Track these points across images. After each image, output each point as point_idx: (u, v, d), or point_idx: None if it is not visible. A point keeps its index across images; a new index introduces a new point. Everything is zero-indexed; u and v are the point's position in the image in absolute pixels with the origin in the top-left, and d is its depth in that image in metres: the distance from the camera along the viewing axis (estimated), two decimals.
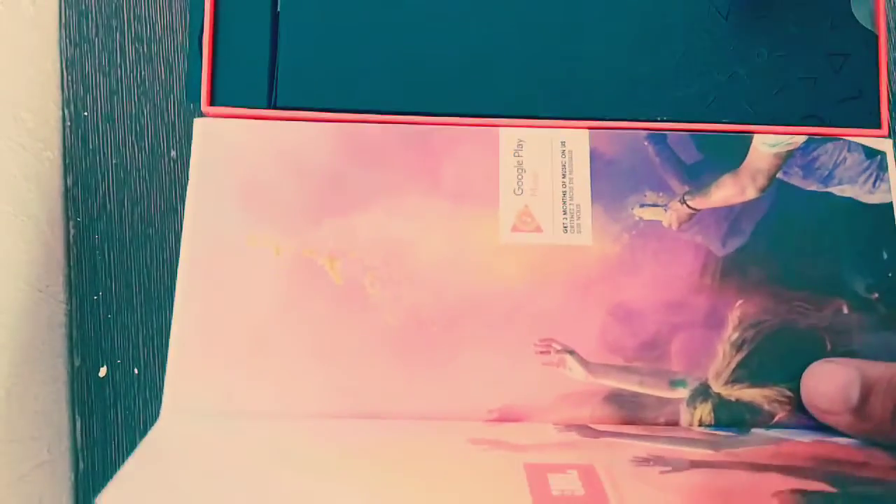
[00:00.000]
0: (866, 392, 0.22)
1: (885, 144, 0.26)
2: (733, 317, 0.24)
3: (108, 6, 0.33)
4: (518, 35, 0.26)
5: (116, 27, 0.33)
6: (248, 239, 0.24)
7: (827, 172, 0.26)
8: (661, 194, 0.25)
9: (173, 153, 0.33)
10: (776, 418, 0.24)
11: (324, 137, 0.25)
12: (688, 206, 0.25)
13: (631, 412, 0.23)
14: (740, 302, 0.24)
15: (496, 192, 0.25)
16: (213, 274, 0.24)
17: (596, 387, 0.24)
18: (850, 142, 0.26)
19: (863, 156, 0.26)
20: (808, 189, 0.26)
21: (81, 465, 0.31)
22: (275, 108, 0.26)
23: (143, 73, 0.33)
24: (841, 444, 0.23)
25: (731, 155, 0.26)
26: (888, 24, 0.32)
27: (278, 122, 0.26)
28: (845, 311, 0.24)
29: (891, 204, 0.25)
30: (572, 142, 0.26)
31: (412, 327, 0.24)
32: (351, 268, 0.24)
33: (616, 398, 0.24)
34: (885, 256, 0.25)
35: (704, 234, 0.25)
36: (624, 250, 0.25)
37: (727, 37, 0.26)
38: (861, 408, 0.22)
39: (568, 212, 0.25)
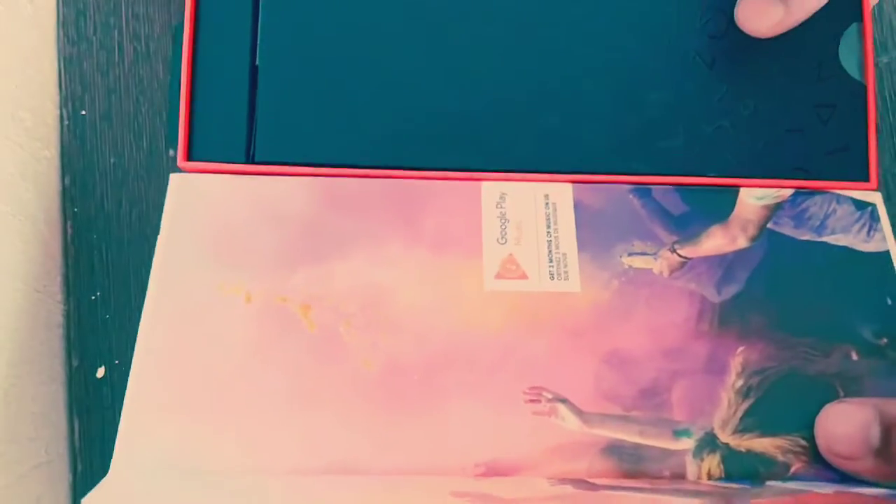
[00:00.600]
0: (888, 431, 0.20)
1: (874, 197, 0.25)
2: (736, 363, 0.23)
3: (106, 5, 0.32)
4: (500, 89, 0.25)
5: (115, 26, 0.32)
6: (218, 286, 0.23)
7: (819, 223, 0.25)
8: (649, 243, 0.24)
9: (171, 152, 0.33)
10: (792, 469, 0.22)
11: (301, 189, 0.24)
12: (678, 254, 0.24)
13: (632, 465, 0.21)
14: (742, 348, 0.23)
15: (479, 242, 0.24)
16: (178, 322, 0.22)
17: (592, 437, 0.22)
18: (838, 195, 0.25)
19: (853, 207, 0.25)
20: (802, 239, 0.25)
21: (80, 466, 0.30)
22: (253, 162, 0.25)
23: (141, 72, 0.32)
24: (866, 495, 0.21)
25: (718, 207, 0.25)
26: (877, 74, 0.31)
27: (256, 176, 0.24)
28: (854, 356, 0.23)
29: (888, 252, 0.24)
30: (556, 195, 0.25)
31: (391, 375, 0.22)
32: (325, 315, 0.23)
33: (615, 450, 0.22)
34: (890, 302, 0.24)
35: (698, 281, 0.24)
36: (614, 297, 0.23)
37: (713, 88, 0.25)
38: (884, 449, 0.20)
39: (554, 260, 0.24)
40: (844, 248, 0.25)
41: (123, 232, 0.31)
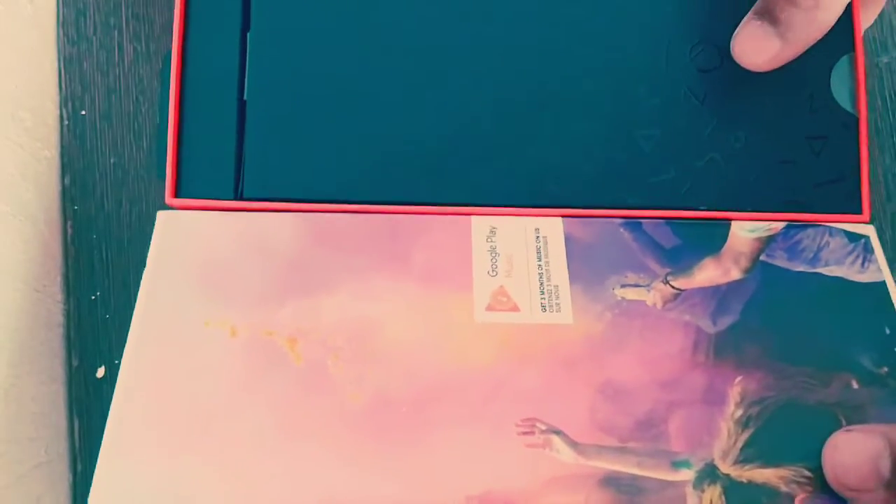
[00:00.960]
0: None
1: (867, 230, 0.24)
2: (734, 393, 0.22)
3: (106, 5, 0.31)
4: (489, 124, 0.24)
5: (115, 26, 0.31)
6: (203, 321, 0.22)
7: (812, 255, 0.24)
8: (642, 275, 0.23)
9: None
10: (797, 500, 0.21)
11: (289, 224, 0.24)
12: (671, 286, 0.23)
13: (631, 497, 0.20)
14: (740, 378, 0.22)
15: (469, 276, 0.23)
16: (160, 358, 0.21)
17: (588, 469, 0.21)
18: (830, 227, 0.24)
19: (846, 239, 0.24)
20: (796, 270, 0.24)
21: (80, 466, 0.29)
22: (241, 199, 0.24)
23: (141, 71, 0.31)
24: None
25: (710, 239, 0.24)
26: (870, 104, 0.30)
27: (244, 213, 0.24)
28: (855, 385, 0.22)
29: (884, 283, 0.24)
30: (546, 228, 0.24)
31: (379, 409, 0.21)
32: (312, 348, 0.22)
33: (613, 482, 0.21)
34: (888, 332, 0.23)
35: (692, 312, 0.23)
36: (608, 328, 0.23)
37: (704, 122, 0.25)
38: (894, 480, 0.19)
39: (546, 291, 0.23)
40: (839, 278, 0.24)
41: (123, 232, 0.30)
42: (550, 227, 0.24)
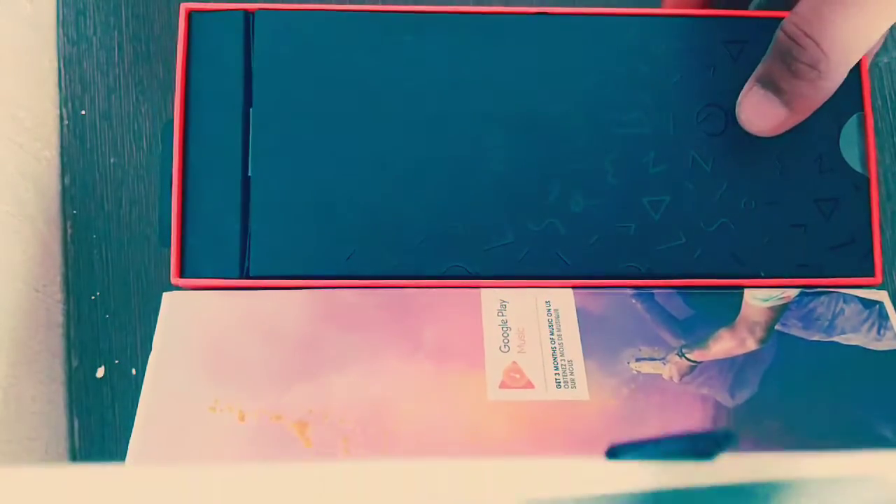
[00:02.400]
0: None
1: (881, 295, 0.24)
2: None
3: (106, 4, 0.31)
4: (494, 195, 0.24)
5: (115, 26, 0.31)
6: (210, 406, 0.22)
7: (827, 323, 0.24)
8: (656, 348, 0.23)
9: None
10: None
11: (296, 303, 0.23)
12: (687, 358, 0.23)
13: None
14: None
15: (480, 352, 0.23)
16: (168, 445, 0.21)
17: None
18: (844, 294, 0.24)
19: (860, 306, 0.24)
20: (812, 339, 0.23)
21: None
22: (248, 277, 0.23)
23: (141, 71, 0.31)
24: None
25: (723, 309, 0.24)
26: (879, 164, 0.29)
27: (250, 291, 0.23)
28: None
29: None
30: (557, 301, 0.24)
31: None
32: (323, 432, 0.21)
33: None
34: None
35: (710, 385, 0.23)
36: (625, 404, 0.22)
37: (713, 187, 0.24)
38: None
39: (560, 367, 0.22)
40: (857, 347, 0.23)
41: (123, 232, 0.30)
42: (561, 300, 0.24)
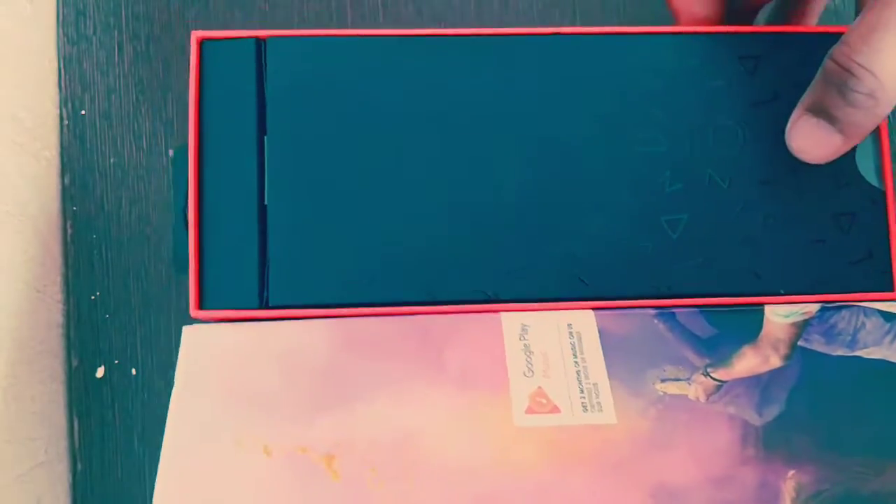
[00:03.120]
0: None
1: None
2: (788, 488, 0.21)
3: (106, 4, 0.31)
4: (512, 217, 0.24)
5: (114, 25, 0.31)
6: (236, 441, 0.21)
7: (850, 338, 0.23)
8: (681, 368, 0.23)
9: (171, 152, 0.31)
10: None
11: (318, 332, 0.23)
12: (712, 377, 0.23)
13: None
14: (792, 472, 0.21)
15: (505, 377, 0.22)
16: (195, 484, 0.20)
17: None
18: (864, 307, 0.24)
19: (881, 319, 0.24)
20: (835, 354, 0.23)
21: (79, 466, 0.29)
22: (267, 307, 0.23)
23: (141, 71, 0.31)
24: None
25: (745, 327, 0.23)
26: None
27: (271, 322, 0.23)
28: None
29: None
30: (579, 323, 0.23)
31: None
32: (351, 464, 0.21)
33: None
34: None
35: (736, 404, 0.22)
36: (653, 426, 0.22)
37: (731, 205, 0.24)
38: None
39: (585, 390, 0.22)
40: (881, 361, 0.23)
41: (123, 232, 0.30)
42: (583, 322, 0.23)
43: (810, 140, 0.23)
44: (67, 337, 0.30)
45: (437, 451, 0.21)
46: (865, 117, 0.22)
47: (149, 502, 0.29)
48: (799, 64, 0.24)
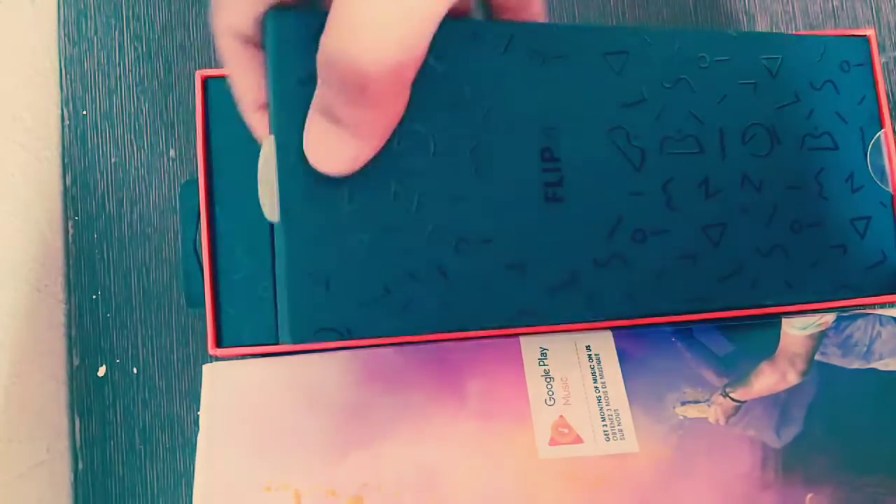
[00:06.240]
0: None
1: None
2: None
3: (107, 5, 0.31)
4: (549, 232, 0.22)
5: (115, 26, 0.31)
6: (265, 486, 0.21)
7: (865, 349, 0.23)
8: (700, 389, 0.23)
9: (172, 152, 0.30)
10: None
11: (338, 366, 0.23)
12: (731, 398, 0.23)
13: None
14: (811, 496, 0.21)
15: (526, 406, 0.22)
16: None
17: None
18: (881, 315, 0.24)
19: None
20: (851, 367, 0.23)
21: (80, 465, 0.29)
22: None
23: (141, 71, 0.31)
24: None
25: (763, 342, 0.23)
26: None
27: (290, 356, 0.23)
28: None
29: None
30: (597, 345, 0.23)
31: None
32: (380, 503, 0.21)
33: None
34: None
35: (756, 426, 0.22)
36: (675, 453, 0.22)
37: (763, 212, 0.23)
38: None
39: (607, 418, 0.22)
40: (894, 373, 0.23)
41: (124, 231, 0.30)
42: (601, 343, 0.23)
43: (323, 148, 0.19)
44: (69, 336, 0.30)
45: (462, 487, 0.21)
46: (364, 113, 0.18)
47: (149, 502, 0.29)
48: (817, 63, 0.24)
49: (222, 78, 0.23)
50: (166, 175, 0.31)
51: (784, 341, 0.24)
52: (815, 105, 0.23)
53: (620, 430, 0.22)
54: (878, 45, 0.33)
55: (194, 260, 0.23)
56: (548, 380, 0.23)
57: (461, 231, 0.21)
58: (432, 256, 0.21)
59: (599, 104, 0.22)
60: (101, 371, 0.30)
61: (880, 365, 0.23)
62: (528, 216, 0.21)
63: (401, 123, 0.20)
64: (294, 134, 0.19)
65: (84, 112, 0.31)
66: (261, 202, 0.21)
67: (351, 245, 0.22)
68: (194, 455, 0.22)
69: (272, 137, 0.19)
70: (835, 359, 0.24)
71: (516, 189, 0.22)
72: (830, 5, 0.32)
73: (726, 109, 0.23)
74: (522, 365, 0.23)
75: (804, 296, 0.23)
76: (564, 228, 0.21)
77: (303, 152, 0.19)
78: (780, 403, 0.23)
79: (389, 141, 0.20)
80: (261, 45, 0.19)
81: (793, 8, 0.32)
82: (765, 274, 0.23)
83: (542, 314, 0.21)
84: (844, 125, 0.23)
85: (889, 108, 0.25)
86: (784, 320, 0.24)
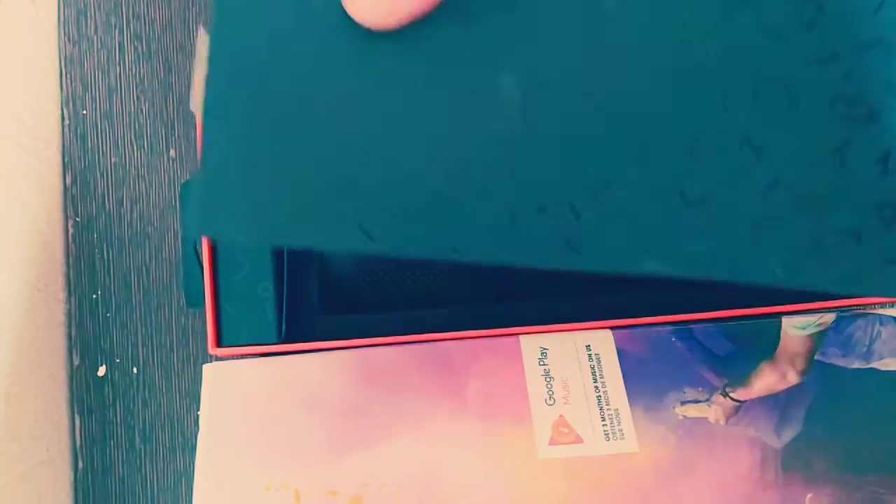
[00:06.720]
0: None
1: None
2: None
3: (107, 4, 0.31)
4: (512, 170, 0.22)
5: (115, 25, 0.31)
6: (265, 485, 0.21)
7: (865, 348, 0.23)
8: (700, 389, 0.22)
9: (172, 152, 0.30)
10: None
11: (338, 365, 0.23)
12: (731, 398, 0.23)
13: None
14: (810, 495, 0.21)
15: (526, 405, 0.22)
16: None
17: None
18: (881, 315, 0.23)
19: None
20: (851, 367, 0.23)
21: (81, 464, 0.30)
22: (285, 340, 0.23)
23: (141, 71, 0.31)
24: None
25: (763, 341, 0.23)
26: None
27: (290, 356, 0.23)
28: None
29: None
30: (597, 344, 0.23)
31: None
32: (380, 503, 0.21)
33: None
34: None
35: (756, 426, 0.22)
36: (674, 453, 0.22)
37: (759, 180, 0.23)
38: None
39: (606, 418, 0.22)
40: (894, 373, 0.23)
41: (124, 231, 0.30)
42: (601, 343, 0.23)
43: None
44: (69, 336, 0.30)
45: (462, 487, 0.21)
46: None
47: (149, 502, 0.29)
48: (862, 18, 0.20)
49: None
50: (166, 175, 0.31)
51: (784, 341, 0.23)
52: (853, 67, 0.20)
53: (620, 430, 0.22)
54: None
55: (194, 260, 0.23)
56: (548, 379, 0.23)
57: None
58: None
59: None
60: (101, 371, 0.30)
61: (880, 365, 0.23)
62: None
63: None
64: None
65: (84, 112, 0.31)
66: (191, 102, 0.21)
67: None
68: (194, 455, 0.22)
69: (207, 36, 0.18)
70: (835, 359, 0.23)
71: None
72: None
73: (733, 59, 0.20)
74: (522, 364, 0.23)
75: (798, 285, 0.22)
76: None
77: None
78: (780, 403, 0.23)
79: None
80: None
81: None
82: (800, 264, 0.21)
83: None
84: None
85: None
86: (784, 320, 0.23)
